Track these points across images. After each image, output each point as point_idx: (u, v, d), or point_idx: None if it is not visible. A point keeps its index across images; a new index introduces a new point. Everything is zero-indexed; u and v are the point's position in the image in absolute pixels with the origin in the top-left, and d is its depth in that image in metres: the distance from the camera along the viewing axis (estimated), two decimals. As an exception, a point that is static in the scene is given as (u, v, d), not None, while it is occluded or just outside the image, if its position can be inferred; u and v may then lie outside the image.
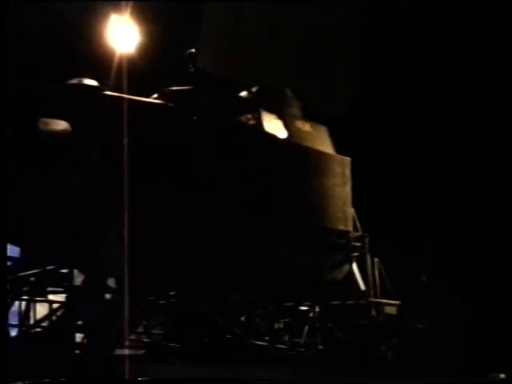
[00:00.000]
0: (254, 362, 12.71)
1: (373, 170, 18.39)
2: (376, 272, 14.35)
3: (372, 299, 14.18)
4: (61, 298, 11.75)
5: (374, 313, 14.17)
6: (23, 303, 11.39)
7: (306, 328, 14.02)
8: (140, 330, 12.81)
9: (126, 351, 11.39)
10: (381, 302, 14.32)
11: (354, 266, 14.11)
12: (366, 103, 20.78)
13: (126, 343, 11.46)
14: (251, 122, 13.07)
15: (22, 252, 12.42)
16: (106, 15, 13.65)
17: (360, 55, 21.78)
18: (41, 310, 11.61)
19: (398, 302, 14.62)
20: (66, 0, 16.13)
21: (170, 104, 12.21)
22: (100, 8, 14.67)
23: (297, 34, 20.13)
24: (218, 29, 18.48)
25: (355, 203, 14.26)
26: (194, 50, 13.25)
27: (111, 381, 10.48)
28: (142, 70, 14.85)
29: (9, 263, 11.27)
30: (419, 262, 16.27)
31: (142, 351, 12.56)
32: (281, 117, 13.46)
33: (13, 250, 12.05)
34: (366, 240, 14.30)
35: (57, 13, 16.20)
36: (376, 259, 14.45)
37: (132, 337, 12.26)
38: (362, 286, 14.08)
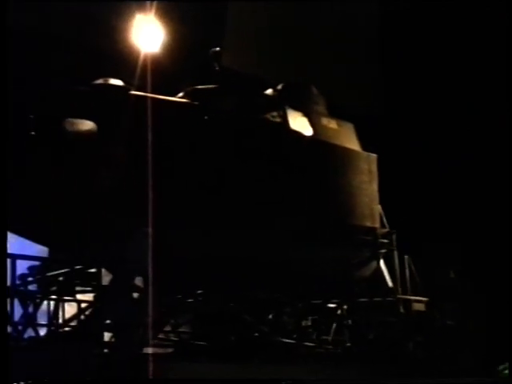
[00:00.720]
0: (281, 360, 12.66)
1: (399, 167, 18.31)
2: (406, 269, 14.30)
3: (400, 296, 14.11)
4: (89, 297, 11.75)
5: (401, 310, 14.11)
6: (52, 303, 11.36)
7: (334, 325, 13.97)
8: (167, 328, 12.80)
9: (154, 350, 11.38)
10: (409, 299, 14.26)
11: (382, 263, 14.04)
12: (392, 99, 20.70)
13: (154, 342, 11.48)
14: (277, 120, 13.02)
15: (50, 252, 12.54)
16: (131, 15, 13.68)
17: (383, 52, 21.68)
18: (69, 309, 11.61)
19: (426, 299, 14.55)
20: (92, 0, 16.14)
21: (196, 103, 12.21)
22: (125, 8, 14.68)
23: (320, 31, 20.07)
24: (243, 27, 18.47)
25: (382, 200, 14.17)
26: (218, 49, 13.30)
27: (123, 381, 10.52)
28: (167, 70, 14.89)
29: (37, 263, 11.47)
30: (447, 258, 16.16)
31: (170, 350, 12.58)
32: (306, 114, 13.40)
33: (41, 251, 12.17)
34: (393, 237, 14.23)
35: (82, 13, 16.25)
36: (406, 256, 14.39)
37: (160, 335, 12.29)
38: (390, 283, 14.02)
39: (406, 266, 14.32)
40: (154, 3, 13.04)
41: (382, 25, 21.66)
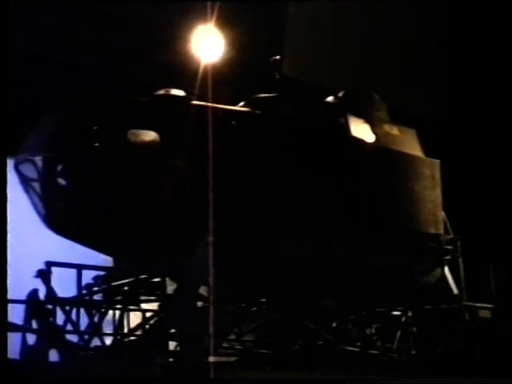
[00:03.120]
0: (345, 368, 12.56)
1: (463, 173, 18.08)
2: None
3: (465, 303, 13.92)
4: (153, 306, 11.78)
5: (467, 317, 13.92)
6: (117, 312, 11.44)
7: (399, 333, 13.81)
8: (231, 337, 12.79)
9: (218, 358, 11.37)
10: (474, 306, 14.06)
11: (446, 270, 13.88)
12: (454, 104, 20.46)
13: (218, 350, 11.47)
14: (338, 127, 12.98)
15: (114, 262, 12.64)
16: (191, 25, 13.76)
17: (446, 57, 21.44)
18: (134, 318, 11.68)
19: (491, 306, 14.33)
20: (152, 12, 16.28)
21: (257, 111, 12.24)
22: (185, 18, 14.78)
23: (381, 37, 19.93)
24: (302, 34, 18.44)
25: (445, 206, 14.01)
26: (278, 57, 13.28)
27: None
28: (228, 79, 14.93)
29: (102, 273, 11.54)
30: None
31: (234, 358, 12.58)
32: (368, 121, 13.33)
33: (106, 260, 12.28)
34: (458, 243, 14.04)
35: (143, 23, 16.41)
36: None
37: (224, 344, 12.28)
38: (455, 290, 13.86)
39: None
40: (214, 13, 13.04)
41: (447, 27, 21.40)
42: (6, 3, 8.99)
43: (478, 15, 20.52)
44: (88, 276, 11.35)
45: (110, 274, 11.60)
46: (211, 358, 10.96)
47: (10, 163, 11.08)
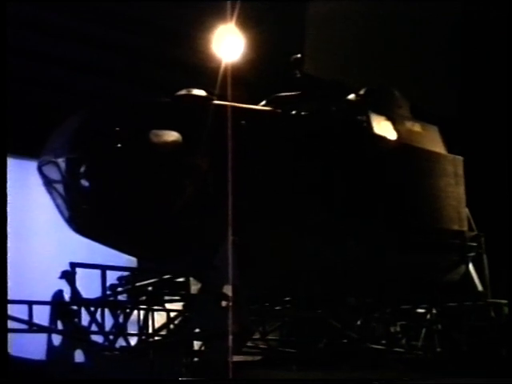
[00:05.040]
0: (371, 367, 12.57)
1: (487, 169, 18.00)
2: None
3: (490, 300, 13.90)
4: (178, 306, 11.82)
5: (492, 314, 13.88)
6: (142, 313, 11.50)
7: (424, 331, 13.81)
8: (256, 336, 12.82)
9: (243, 358, 11.53)
10: (499, 303, 14.02)
11: (471, 267, 13.88)
12: (477, 101, 20.36)
13: (243, 350, 11.52)
14: (360, 125, 12.97)
15: (138, 262, 12.71)
16: (211, 25, 13.80)
17: (464, 53, 21.37)
18: (159, 318, 11.73)
19: (517, 302, 14.29)
20: (172, 11, 16.34)
21: (279, 110, 12.25)
22: (205, 17, 14.82)
23: (402, 34, 19.90)
24: (323, 32, 18.41)
25: (469, 203, 14.01)
26: (299, 56, 13.29)
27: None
28: (249, 78, 14.96)
29: (126, 273, 11.61)
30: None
31: (259, 357, 12.61)
32: (390, 118, 13.31)
33: (130, 261, 12.35)
34: (482, 240, 14.05)
35: (161, 24, 16.47)
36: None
37: (248, 343, 12.32)
38: (480, 287, 13.85)
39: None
40: (235, 12, 13.08)
41: (465, 22, 21.31)
42: (5, 3, 9.00)
43: (494, 16, 20.43)
44: (112, 277, 11.40)
45: (134, 274, 11.66)
46: (236, 358, 11.01)
47: (33, 165, 11.29)
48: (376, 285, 12.80)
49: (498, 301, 14.04)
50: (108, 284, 11.18)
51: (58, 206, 11.19)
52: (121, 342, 11.15)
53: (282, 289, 12.40)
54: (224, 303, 11.08)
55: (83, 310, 10.80)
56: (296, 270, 11.75)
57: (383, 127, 13.18)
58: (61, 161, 10.76)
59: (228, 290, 11.01)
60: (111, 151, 10.75)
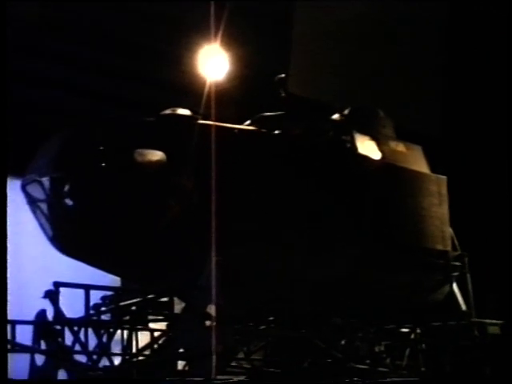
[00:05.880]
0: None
1: (470, 189, 18.08)
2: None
3: (474, 319, 13.91)
4: (162, 326, 11.83)
5: (476, 333, 13.90)
6: (125, 332, 11.46)
7: (408, 350, 13.82)
8: (240, 355, 12.79)
9: (227, 377, 11.46)
10: (483, 322, 14.04)
11: (455, 286, 13.88)
12: (460, 120, 20.48)
13: (227, 369, 11.56)
14: (344, 145, 13.01)
15: (122, 282, 12.67)
16: (196, 45, 13.85)
17: (447, 72, 21.54)
18: (143, 338, 11.70)
19: (501, 322, 14.31)
20: (157, 32, 16.40)
21: (263, 130, 12.27)
22: (189, 37, 14.88)
23: (387, 55, 20.02)
24: (307, 52, 18.50)
25: (453, 222, 14.03)
26: (284, 75, 13.32)
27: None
28: (234, 98, 14.99)
29: (110, 293, 11.55)
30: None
31: (243, 377, 12.57)
32: (374, 138, 13.36)
33: (114, 280, 12.31)
34: (466, 259, 14.06)
35: (145, 44, 16.50)
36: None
37: (233, 363, 12.29)
38: (464, 307, 13.85)
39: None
40: (219, 32, 13.13)
41: (448, 46, 21.49)
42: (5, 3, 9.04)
43: (478, 34, 20.62)
44: (96, 296, 11.37)
45: (117, 293, 11.61)
46: (220, 377, 10.97)
47: (17, 184, 11.25)
48: (360, 304, 12.82)
49: (482, 320, 14.08)
50: (91, 303, 11.17)
51: (41, 225, 11.15)
52: (104, 362, 11.10)
53: (266, 308, 12.39)
54: (208, 323, 11.11)
55: (66, 330, 10.73)
56: (280, 289, 11.74)
57: (367, 147, 13.22)
58: (45, 180, 10.74)
59: (212, 309, 11.02)
60: (95, 170, 10.72)
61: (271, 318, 12.92)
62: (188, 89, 14.59)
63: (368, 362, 13.41)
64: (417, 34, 20.87)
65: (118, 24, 16.27)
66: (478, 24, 20.77)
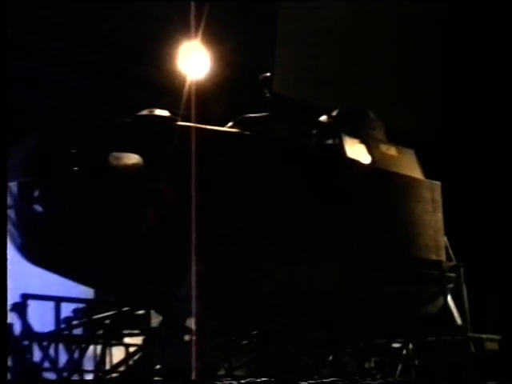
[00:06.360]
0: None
1: (466, 195, 18.11)
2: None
3: (470, 334, 13.94)
4: (137, 340, 11.76)
5: (473, 349, 13.91)
6: (98, 347, 11.42)
7: (400, 366, 13.82)
8: (221, 372, 12.77)
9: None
10: (480, 337, 14.06)
11: (449, 299, 13.92)
12: (455, 124, 20.52)
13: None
14: (332, 148, 13.03)
15: (95, 293, 12.62)
16: (175, 42, 13.81)
17: (445, 73, 21.60)
18: (117, 353, 11.67)
19: (499, 337, 14.34)
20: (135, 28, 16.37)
21: (246, 132, 12.24)
22: (169, 34, 14.85)
23: (374, 54, 20.06)
24: (294, 50, 18.50)
25: (447, 231, 14.07)
26: (269, 74, 13.32)
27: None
28: (216, 98, 14.94)
29: (82, 305, 11.51)
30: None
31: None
32: (364, 141, 13.39)
33: (85, 292, 12.25)
34: (461, 270, 14.08)
35: (124, 41, 16.47)
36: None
37: (214, 379, 12.25)
38: (459, 321, 13.89)
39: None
40: (200, 28, 13.10)
41: (445, 48, 21.58)
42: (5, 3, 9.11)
43: (477, 37, 20.73)
44: (67, 309, 11.30)
45: (90, 306, 11.59)
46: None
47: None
48: (349, 318, 12.80)
49: (479, 335, 14.10)
50: (62, 316, 11.10)
51: (9, 233, 11.08)
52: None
53: (249, 322, 12.36)
54: (187, 337, 11.08)
55: (35, 345, 10.69)
56: (265, 301, 11.74)
57: (356, 150, 13.25)
58: (13, 185, 10.68)
59: (191, 322, 10.95)
60: (67, 175, 10.66)
61: (255, 332, 12.85)
62: (167, 88, 14.51)
63: (357, 378, 13.39)
64: (409, 33, 20.91)
65: (94, 20, 16.18)
66: (477, 24, 20.86)
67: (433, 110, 21.17)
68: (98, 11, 16.50)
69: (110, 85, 16.69)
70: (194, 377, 10.92)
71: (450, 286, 13.98)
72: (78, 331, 11.53)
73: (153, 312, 11.54)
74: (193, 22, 12.73)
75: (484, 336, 14.17)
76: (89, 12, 16.40)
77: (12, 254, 11.04)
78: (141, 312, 11.61)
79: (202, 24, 12.83)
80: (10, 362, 10.45)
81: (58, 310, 10.91)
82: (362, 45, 19.89)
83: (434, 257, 13.73)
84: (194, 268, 10.57)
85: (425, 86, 21.07)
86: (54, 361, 10.82)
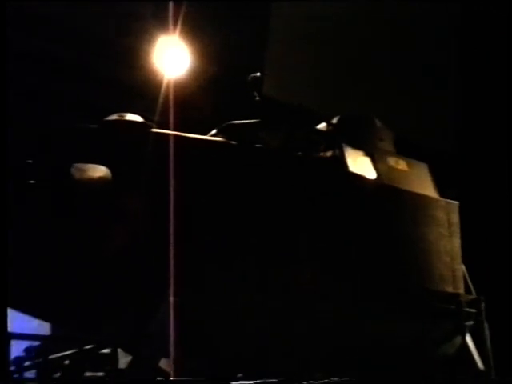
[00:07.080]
0: None
1: (488, 217, 18.12)
2: None
3: (494, 379, 13.79)
4: None
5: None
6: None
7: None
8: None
9: None
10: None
11: (468, 338, 13.78)
12: (475, 134, 20.60)
13: None
14: (332, 161, 12.93)
15: (52, 329, 12.42)
16: (151, 36, 13.82)
17: (460, 74, 21.78)
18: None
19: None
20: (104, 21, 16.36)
21: (232, 142, 12.12)
22: (144, 28, 14.89)
23: (387, 54, 20.22)
24: (288, 47, 18.62)
25: (466, 258, 13.97)
26: (259, 74, 13.19)
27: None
28: (197, 101, 14.91)
29: (37, 343, 11.32)
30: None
31: None
32: (369, 153, 13.35)
33: (40, 327, 12.01)
34: (482, 304, 13.96)
35: (92, 36, 16.42)
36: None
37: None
38: (480, 364, 13.74)
39: None
40: (178, 22, 13.07)
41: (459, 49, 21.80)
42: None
43: (490, 44, 20.96)
44: (18, 347, 11.14)
45: (46, 343, 11.41)
46: None
47: None
48: (350, 357, 12.63)
49: (504, 380, 13.90)
50: (12, 356, 10.91)
51: None
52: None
53: (234, 362, 12.11)
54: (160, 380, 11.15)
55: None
56: (252, 338, 11.60)
57: (360, 164, 13.16)
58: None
59: (165, 363, 11.06)
60: (21, 190, 10.46)
61: (240, 375, 12.61)
62: (142, 89, 14.52)
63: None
64: (415, 34, 21.11)
65: (63, 13, 16.17)
66: (493, 27, 21.11)
67: (448, 117, 21.26)
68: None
69: (73, 85, 16.60)
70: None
71: (470, 322, 13.87)
72: (30, 374, 11.34)
73: (120, 351, 11.41)
74: (170, 18, 12.87)
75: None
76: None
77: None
78: (106, 350, 11.45)
79: (180, 19, 12.94)
80: None
81: (6, 349, 10.46)
82: (362, 45, 20.08)
83: (450, 289, 13.63)
84: (170, 299, 10.60)
85: (438, 91, 21.19)
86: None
